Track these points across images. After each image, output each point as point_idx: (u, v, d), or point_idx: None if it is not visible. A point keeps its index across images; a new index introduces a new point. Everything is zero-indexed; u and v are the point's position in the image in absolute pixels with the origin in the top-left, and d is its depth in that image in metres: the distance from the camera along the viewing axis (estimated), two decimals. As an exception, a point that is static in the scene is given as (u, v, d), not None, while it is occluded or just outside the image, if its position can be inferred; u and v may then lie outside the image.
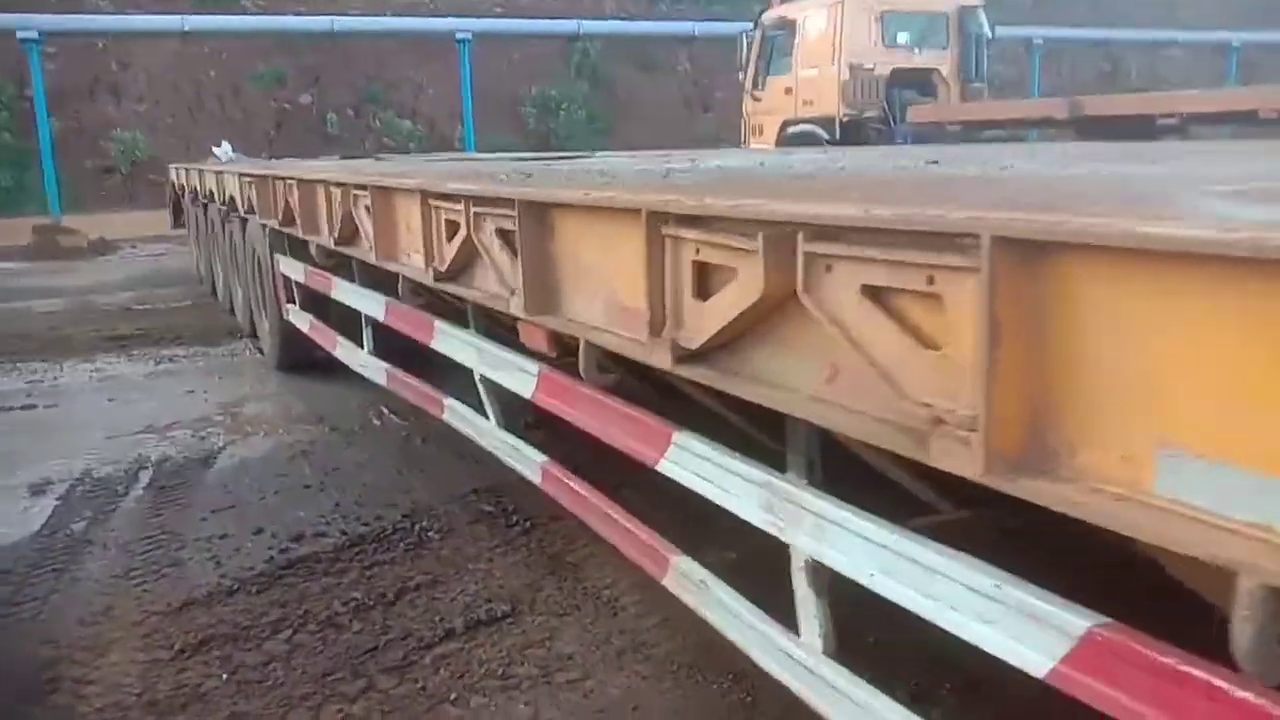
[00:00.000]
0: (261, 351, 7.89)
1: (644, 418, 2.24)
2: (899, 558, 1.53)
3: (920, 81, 13.59)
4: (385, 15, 23.63)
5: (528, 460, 3.07)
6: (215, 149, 12.68)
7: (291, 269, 6.11)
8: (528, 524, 4.21)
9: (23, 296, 11.64)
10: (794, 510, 1.73)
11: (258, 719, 2.91)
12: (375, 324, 4.67)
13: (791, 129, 13.70)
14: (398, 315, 4.03)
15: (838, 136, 12.88)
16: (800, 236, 1.47)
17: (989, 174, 2.63)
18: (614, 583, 3.64)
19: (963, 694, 2.71)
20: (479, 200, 2.70)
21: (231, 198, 7.36)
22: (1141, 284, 1.08)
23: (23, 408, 6.63)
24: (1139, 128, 9.49)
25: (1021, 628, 1.35)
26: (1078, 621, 1.30)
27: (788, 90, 13.96)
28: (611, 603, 3.52)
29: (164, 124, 24.10)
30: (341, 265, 4.84)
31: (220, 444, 5.64)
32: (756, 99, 14.64)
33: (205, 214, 10.03)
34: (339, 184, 4.13)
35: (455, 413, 3.70)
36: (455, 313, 3.78)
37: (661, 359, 1.89)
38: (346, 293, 4.81)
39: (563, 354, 2.51)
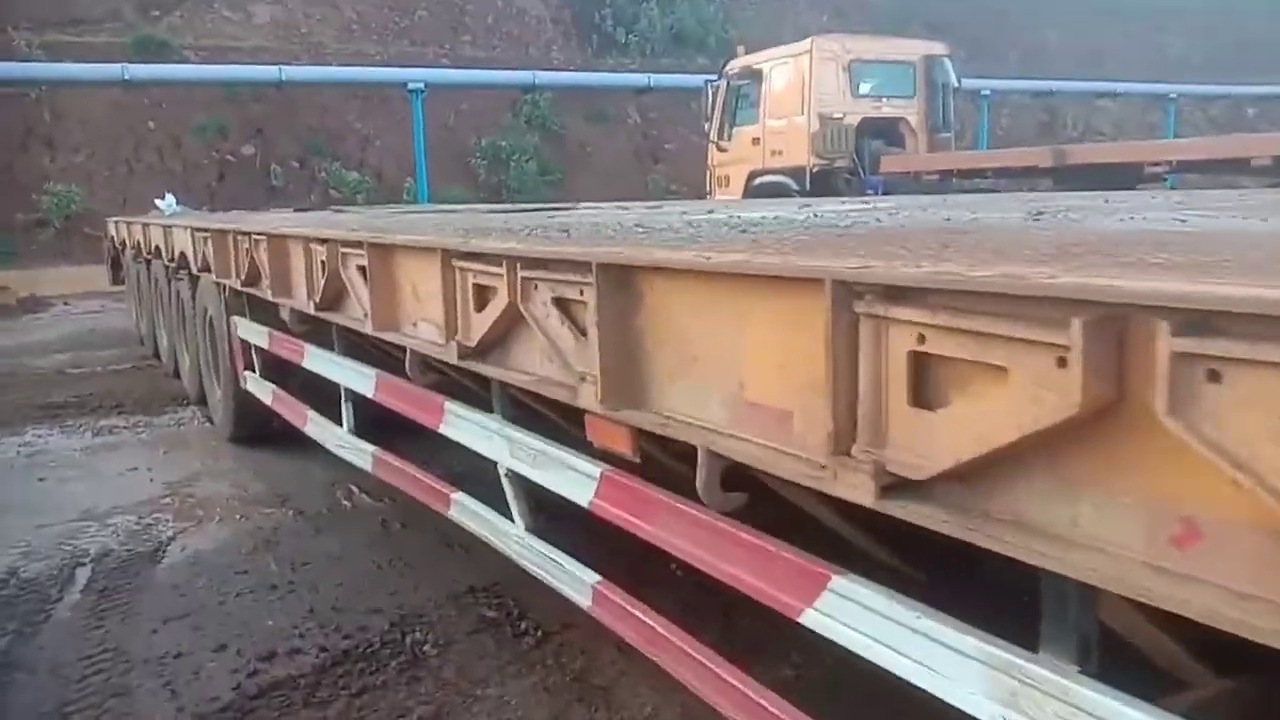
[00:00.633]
0: (212, 421, 7.20)
1: (791, 556, 1.67)
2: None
3: (888, 131, 13.42)
4: (333, 65, 23.12)
5: (573, 578, 2.51)
6: (158, 201, 11.99)
7: (251, 333, 5.50)
8: (539, 633, 3.63)
9: (-56, 360, 10.75)
10: (1056, 706, 1.20)
11: None
12: (358, 400, 4.09)
13: (759, 180, 13.40)
14: (394, 392, 3.46)
15: (808, 187, 12.58)
16: (1165, 326, 0.97)
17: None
18: (655, 712, 3.07)
19: None
20: (529, 262, 2.18)
21: (181, 254, 6.72)
22: None
23: (-61, 492, 5.87)
24: (1125, 176, 9.31)
25: None
26: None
27: (755, 140, 13.67)
28: (656, 739, 2.96)
29: (100, 176, 23.22)
30: (317, 331, 4.26)
31: (169, 533, 4.97)
32: (722, 149, 14.33)
33: (148, 271, 9.33)
34: (322, 240, 3.57)
35: (468, 511, 3.12)
36: (462, 389, 3.22)
37: (855, 489, 1.36)
38: (323, 363, 4.22)
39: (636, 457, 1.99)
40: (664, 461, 2.12)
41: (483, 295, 2.48)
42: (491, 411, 2.83)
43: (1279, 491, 0.91)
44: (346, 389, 4.10)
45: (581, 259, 1.96)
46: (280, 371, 5.28)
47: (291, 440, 5.98)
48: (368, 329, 3.25)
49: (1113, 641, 1.43)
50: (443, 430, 3.08)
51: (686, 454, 1.85)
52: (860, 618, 1.52)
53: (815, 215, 3.16)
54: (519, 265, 2.21)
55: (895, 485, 1.35)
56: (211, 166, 25.37)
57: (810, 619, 1.61)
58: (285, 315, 4.34)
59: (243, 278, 4.91)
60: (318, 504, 5.32)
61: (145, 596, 4.16)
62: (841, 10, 32.57)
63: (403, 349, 3.19)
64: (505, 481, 2.80)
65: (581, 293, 1.99)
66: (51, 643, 3.76)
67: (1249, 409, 0.93)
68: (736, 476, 1.76)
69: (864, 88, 13.37)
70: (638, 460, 2.02)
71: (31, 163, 22.58)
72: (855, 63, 13.18)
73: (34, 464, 6.43)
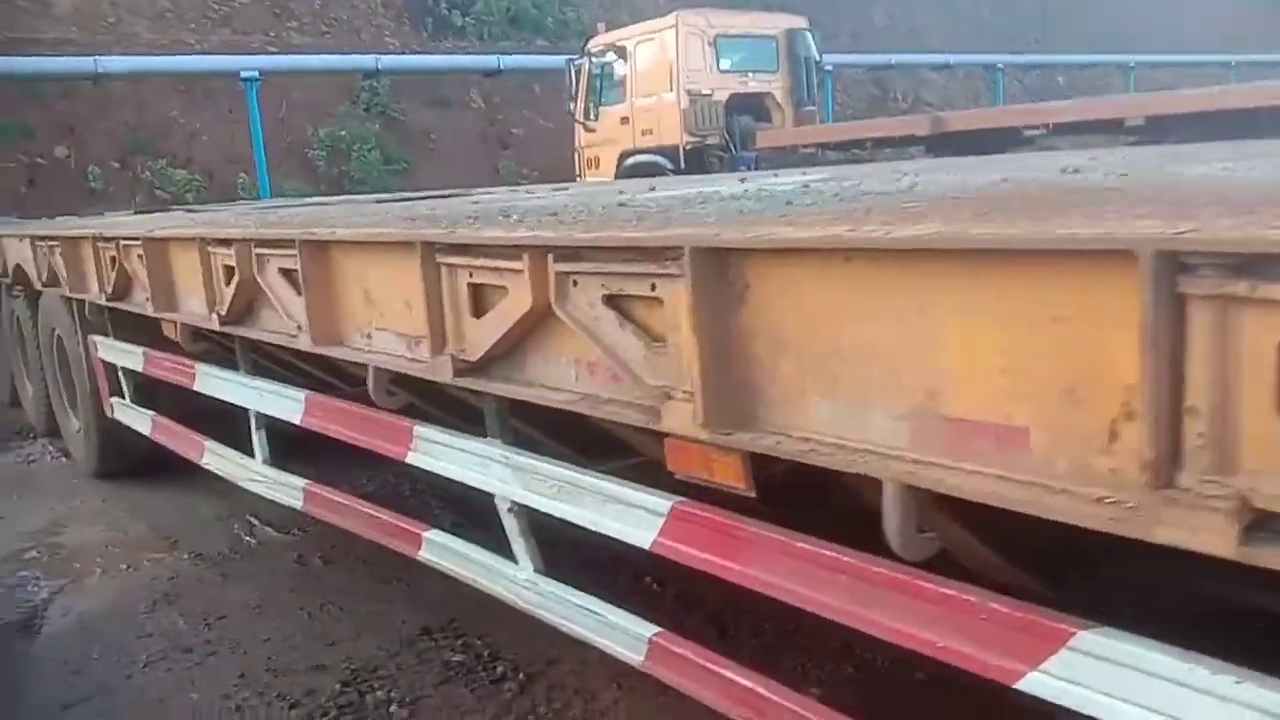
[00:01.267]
0: (67, 455, 6.35)
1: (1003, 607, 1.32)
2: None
3: (754, 106, 13.31)
4: (154, 55, 21.44)
5: (627, 634, 2.07)
6: (-32, 210, 10.64)
7: (118, 355, 4.79)
8: (521, 676, 3.20)
9: None
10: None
11: None
12: (269, 425, 3.52)
13: (631, 159, 13.06)
14: (336, 418, 2.93)
15: (682, 165, 12.33)
16: None
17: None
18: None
19: None
20: (565, 253, 1.74)
21: (16, 267, 5.86)
22: None
23: None
24: (1002, 141, 9.43)
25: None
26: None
27: (624, 120, 13.32)
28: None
29: (-115, 184, 20.86)
30: (216, 349, 3.66)
31: (43, 595, 4.25)
32: (590, 130, 13.92)
33: (-33, 288, 8.22)
34: (224, 241, 2.99)
35: (450, 553, 2.64)
36: (417, 412, 2.74)
37: (1198, 533, 1.00)
38: (224, 386, 3.62)
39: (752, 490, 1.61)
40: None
41: (483, 297, 2.04)
42: (484, 435, 2.37)
43: None
44: (259, 414, 3.52)
45: (661, 244, 1.56)
46: (159, 397, 4.62)
47: (165, 471, 5.32)
48: (302, 344, 2.73)
49: None
50: (413, 460, 2.59)
51: (813, 487, 1.50)
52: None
53: (806, 188, 2.81)
54: (550, 257, 1.79)
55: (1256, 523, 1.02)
56: (18, 170, 23.11)
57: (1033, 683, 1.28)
58: (174, 333, 3.72)
59: (109, 291, 4.22)
60: (216, 544, 4.68)
61: (31, 680, 3.49)
62: (676, -10, 32.58)
63: (325, 365, 2.71)
64: (508, 517, 2.35)
65: (654, 287, 1.60)
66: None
67: None
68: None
69: (728, 63, 13.21)
70: (752, 494, 1.63)
71: None
72: (720, 37, 12.98)
73: None
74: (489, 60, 23.89)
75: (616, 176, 13.06)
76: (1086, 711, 1.25)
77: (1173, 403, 1.07)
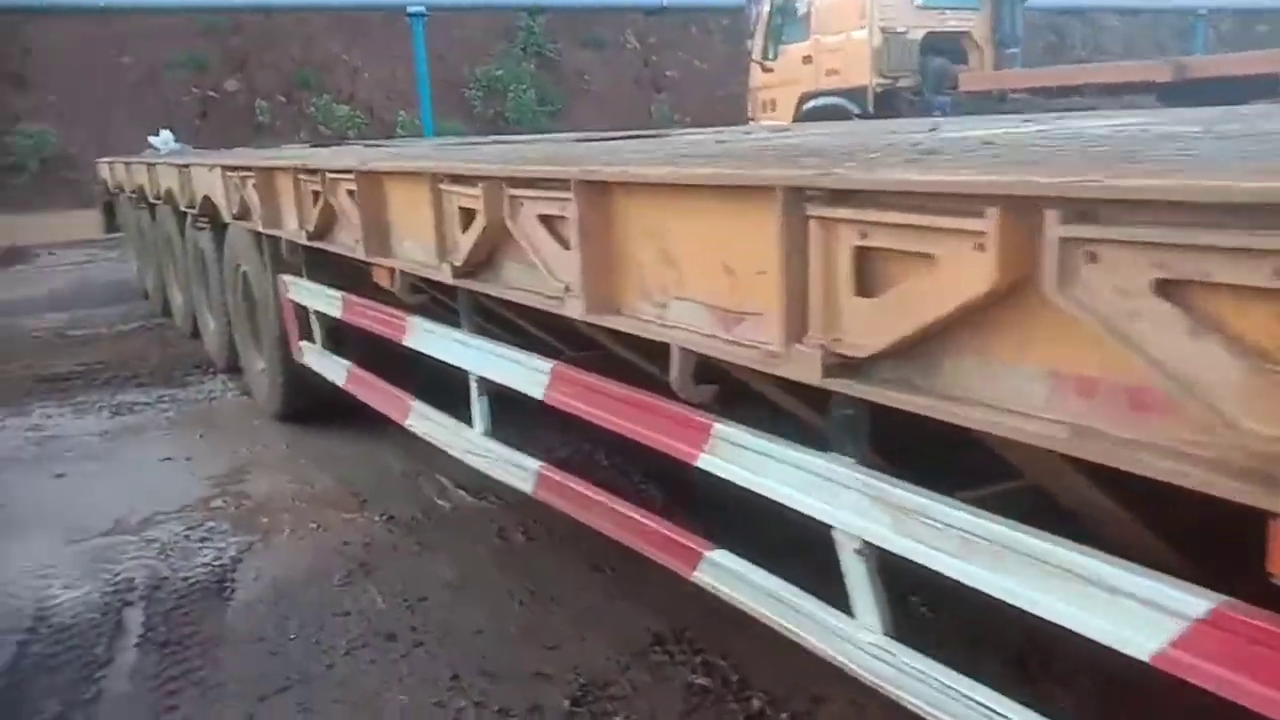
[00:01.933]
0: (248, 394, 6.16)
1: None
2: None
3: (951, 46, 12.27)
4: (323, -11, 21.62)
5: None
6: (153, 139, 10.73)
7: (311, 297, 4.45)
8: (783, 714, 2.66)
9: (-76, 323, 9.60)
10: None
11: None
12: (493, 393, 3.05)
13: (812, 102, 12.24)
14: (587, 395, 2.40)
15: (870, 109, 11.44)
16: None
17: None
18: None
19: None
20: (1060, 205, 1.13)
21: (205, 199, 5.61)
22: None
23: (-65, 496, 4.83)
24: (1251, 90, 8.25)
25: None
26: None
27: (806, 59, 12.49)
28: None
29: (75, 116, 21.73)
30: (429, 302, 3.20)
31: (232, 552, 3.96)
32: (767, 70, 13.12)
33: (153, 218, 8.19)
34: (482, 177, 2.46)
35: (746, 586, 2.07)
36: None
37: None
38: (444, 345, 3.15)
39: None
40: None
41: (877, 267, 1.45)
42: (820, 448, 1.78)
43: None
44: (483, 380, 3.05)
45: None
46: (356, 346, 4.25)
47: (347, 417, 5.01)
48: (572, 310, 2.20)
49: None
50: (706, 465, 2.03)
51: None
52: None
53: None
54: (1017, 212, 1.18)
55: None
56: (193, 104, 23.91)
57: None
58: (388, 281, 3.27)
59: (309, 229, 3.83)
60: (407, 505, 4.32)
61: (225, 655, 3.16)
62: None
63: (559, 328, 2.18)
64: (853, 560, 1.75)
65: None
66: (111, 738, 2.79)
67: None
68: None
69: (929, -1, 12.18)
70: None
71: (1, 103, 21.06)
72: (920, -31, 11.98)
73: (47, 454, 5.38)
74: (650, -1, 23.19)
75: (795, 120, 12.27)
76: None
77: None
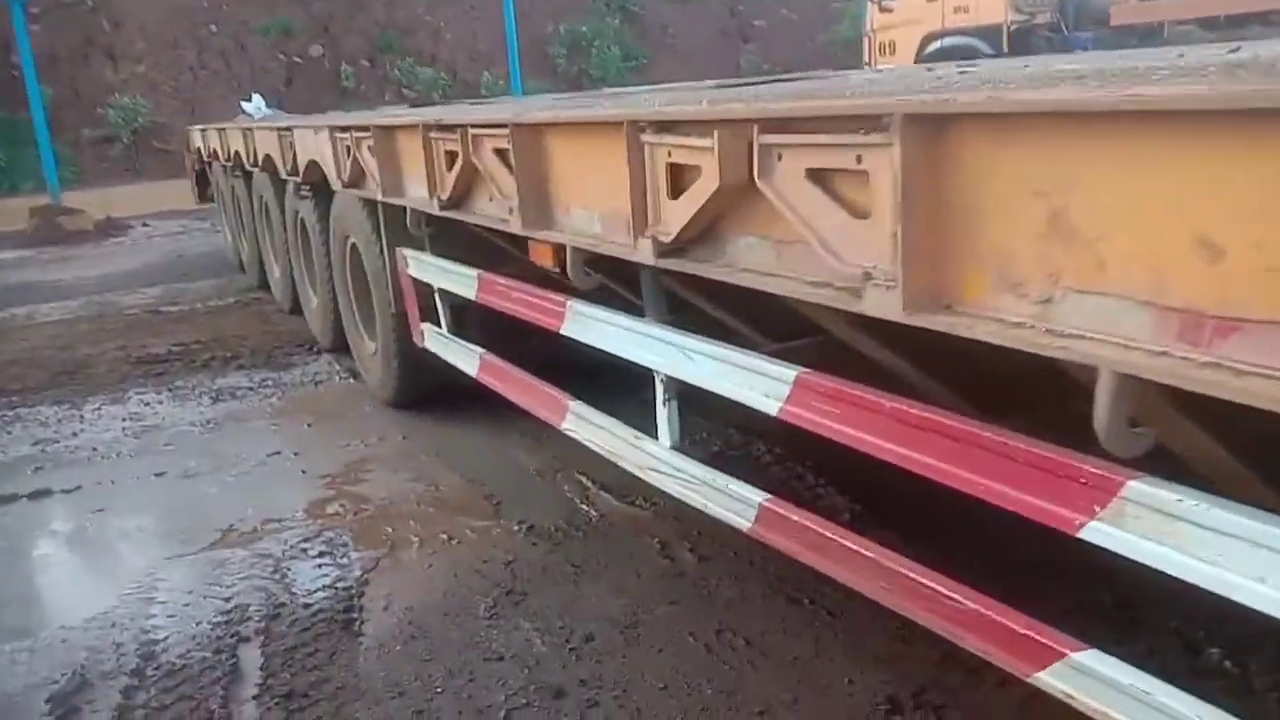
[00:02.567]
0: (356, 377, 5.67)
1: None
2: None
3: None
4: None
5: None
6: (245, 104, 10.34)
7: (437, 274, 3.87)
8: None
9: (22, 299, 9.39)
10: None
11: None
12: (682, 400, 2.41)
13: (937, 43, 11.27)
14: (831, 401, 1.71)
15: (1005, 48, 10.45)
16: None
17: None
18: None
19: None
20: None
21: (309, 165, 5.07)
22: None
23: (30, 495, 4.42)
24: None
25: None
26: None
27: (932, -3, 11.50)
28: None
29: (165, 86, 21.74)
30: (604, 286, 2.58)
31: (356, 572, 3.43)
32: (886, 10, 12.17)
33: (248, 187, 7.74)
34: (714, 121, 1.78)
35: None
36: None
37: None
38: (621, 338, 2.51)
39: None
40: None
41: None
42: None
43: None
44: (671, 380, 2.41)
45: None
46: (490, 333, 3.67)
47: (465, 403, 4.48)
48: (888, 310, 1.53)
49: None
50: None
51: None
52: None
53: None
54: None
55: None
56: (279, 70, 23.77)
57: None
58: (549, 260, 2.64)
59: (443, 197, 3.22)
60: (548, 512, 3.74)
61: (361, 716, 2.61)
62: None
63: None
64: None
65: None
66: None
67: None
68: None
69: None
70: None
71: (93, 75, 21.13)
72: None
73: (145, 447, 4.95)
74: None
75: (916, 62, 11.32)
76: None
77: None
